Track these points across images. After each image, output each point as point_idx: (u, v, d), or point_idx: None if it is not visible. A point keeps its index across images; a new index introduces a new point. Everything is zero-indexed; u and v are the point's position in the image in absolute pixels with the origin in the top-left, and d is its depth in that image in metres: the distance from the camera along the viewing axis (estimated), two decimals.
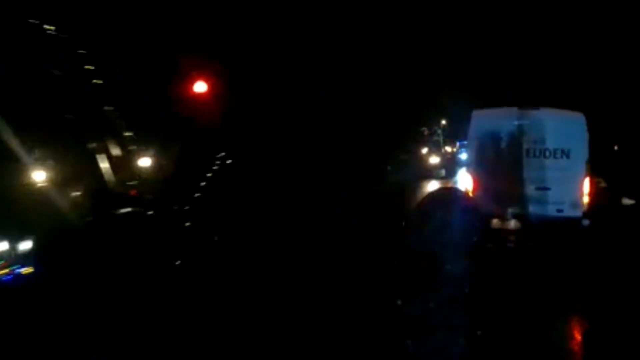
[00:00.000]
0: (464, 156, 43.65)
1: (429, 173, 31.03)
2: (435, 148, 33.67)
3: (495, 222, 8.75)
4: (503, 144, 8.95)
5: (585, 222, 8.79)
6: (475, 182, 9.18)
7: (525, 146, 8.86)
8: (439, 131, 36.22)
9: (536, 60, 25.40)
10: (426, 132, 35.87)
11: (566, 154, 8.79)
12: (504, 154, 8.97)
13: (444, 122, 36.26)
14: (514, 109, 9.13)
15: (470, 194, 8.64)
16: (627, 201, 15.65)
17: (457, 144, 44.68)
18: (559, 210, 8.80)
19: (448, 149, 35.97)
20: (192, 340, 6.42)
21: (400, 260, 1.41)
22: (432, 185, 25.09)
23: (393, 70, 31.26)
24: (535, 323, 6.56)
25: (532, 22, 25.09)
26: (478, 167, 9.31)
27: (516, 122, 8.94)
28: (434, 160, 32.77)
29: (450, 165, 33.48)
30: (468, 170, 9.64)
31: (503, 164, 8.96)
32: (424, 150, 33.68)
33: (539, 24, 24.89)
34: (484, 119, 9.32)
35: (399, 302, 1.33)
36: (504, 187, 8.91)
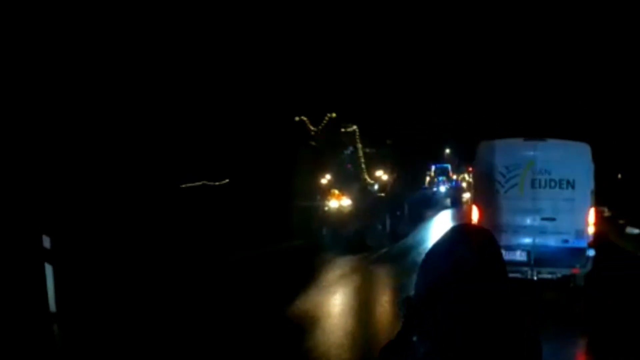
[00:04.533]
0: (442, 189, 32.42)
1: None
2: (349, 175, 18.43)
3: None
4: (509, 175, 9.02)
5: (591, 252, 8.81)
6: (480, 213, 9.23)
7: (531, 177, 8.93)
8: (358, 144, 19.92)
9: (539, 91, 25.58)
10: (313, 132, 18.94)
11: (571, 184, 8.85)
12: (509, 185, 9.03)
13: (447, 150, 28.83)
14: (520, 140, 9.24)
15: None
16: (631, 230, 15.67)
17: (433, 169, 33.19)
18: (565, 241, 8.83)
19: (383, 175, 20.49)
20: (192, 339, 6.44)
21: (415, 298, 1.46)
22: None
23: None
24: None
25: (535, 52, 25.33)
26: (484, 197, 9.37)
27: (522, 153, 9.03)
28: (340, 203, 15.79)
29: (387, 208, 17.25)
30: (473, 201, 9.70)
31: (508, 195, 9.02)
32: (325, 179, 17.48)
33: (543, 54, 25.13)
34: (489, 150, 9.40)
35: (414, 338, 1.36)
36: (509, 218, 8.97)
